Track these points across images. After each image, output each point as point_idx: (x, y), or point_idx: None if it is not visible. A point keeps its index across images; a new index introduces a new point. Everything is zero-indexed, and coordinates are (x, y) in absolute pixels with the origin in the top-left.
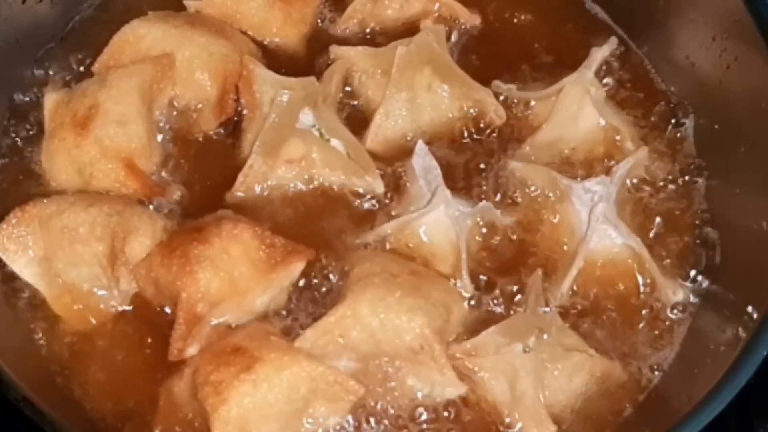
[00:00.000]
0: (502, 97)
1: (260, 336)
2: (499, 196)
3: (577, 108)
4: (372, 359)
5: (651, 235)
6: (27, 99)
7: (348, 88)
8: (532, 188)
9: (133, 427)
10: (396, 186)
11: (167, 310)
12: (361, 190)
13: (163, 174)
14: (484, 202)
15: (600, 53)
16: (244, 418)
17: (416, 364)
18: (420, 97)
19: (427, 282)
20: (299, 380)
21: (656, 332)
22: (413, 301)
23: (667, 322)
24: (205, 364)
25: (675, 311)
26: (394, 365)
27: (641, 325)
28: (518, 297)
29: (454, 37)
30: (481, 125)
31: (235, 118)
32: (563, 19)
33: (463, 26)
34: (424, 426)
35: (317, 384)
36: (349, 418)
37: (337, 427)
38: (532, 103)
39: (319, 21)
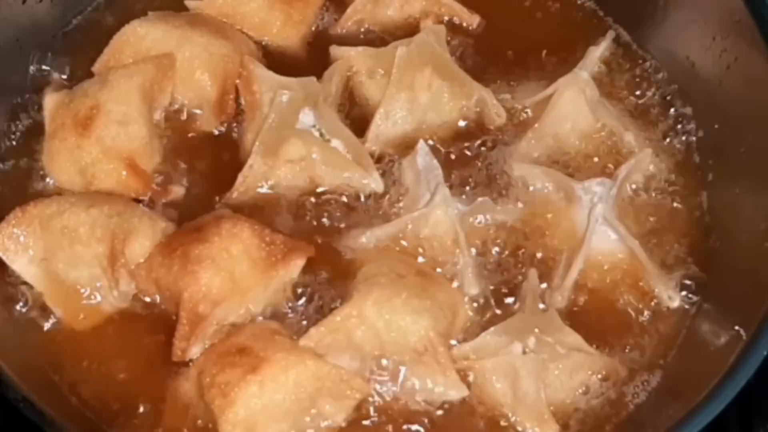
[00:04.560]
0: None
1: (265, 335)
2: (499, 196)
3: (572, 108)
4: (376, 359)
5: (650, 236)
6: (27, 99)
7: (348, 89)
8: (533, 188)
9: (134, 427)
10: (396, 186)
11: (168, 310)
12: (361, 190)
13: (164, 174)
14: (483, 198)
15: (596, 52)
16: (251, 419)
17: (420, 365)
18: (420, 97)
19: (434, 283)
20: (305, 379)
21: (655, 333)
22: (419, 303)
23: (666, 323)
24: (211, 366)
25: (674, 312)
26: (397, 365)
27: (640, 326)
28: (517, 297)
29: (453, 37)
30: (481, 125)
31: (235, 119)
32: (563, 19)
33: (463, 26)
34: (427, 427)
35: (323, 383)
36: (353, 416)
37: (342, 425)
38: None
39: (319, 21)
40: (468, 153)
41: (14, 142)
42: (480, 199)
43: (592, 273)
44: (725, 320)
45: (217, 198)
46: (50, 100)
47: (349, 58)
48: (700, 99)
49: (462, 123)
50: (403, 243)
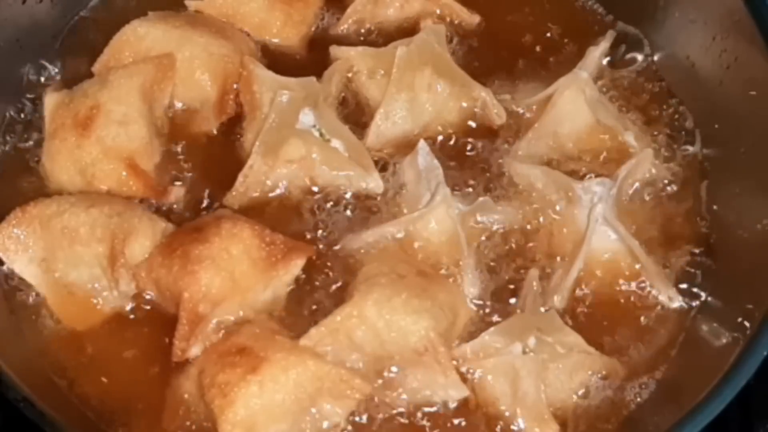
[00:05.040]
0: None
1: (265, 335)
2: (499, 196)
3: (572, 108)
4: (376, 359)
5: (650, 236)
6: (27, 99)
7: (348, 89)
8: (533, 188)
9: (134, 427)
10: (396, 186)
11: (168, 310)
12: (361, 190)
13: (164, 174)
14: (484, 197)
15: (596, 52)
16: (251, 419)
17: (420, 365)
18: (420, 97)
19: (435, 284)
20: (305, 379)
21: (655, 333)
22: (419, 303)
23: (666, 323)
24: (211, 365)
25: (674, 312)
26: (397, 366)
27: (640, 326)
28: (517, 297)
29: (453, 37)
30: (482, 125)
31: (235, 119)
32: (563, 19)
33: (463, 26)
34: (427, 427)
35: (323, 383)
36: (353, 416)
37: (342, 425)
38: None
39: (319, 21)
40: (468, 153)
41: (14, 142)
42: (480, 198)
43: (592, 273)
44: (725, 320)
45: (217, 198)
46: (50, 100)
47: (349, 58)
48: (700, 99)
49: (462, 123)
50: (404, 243)
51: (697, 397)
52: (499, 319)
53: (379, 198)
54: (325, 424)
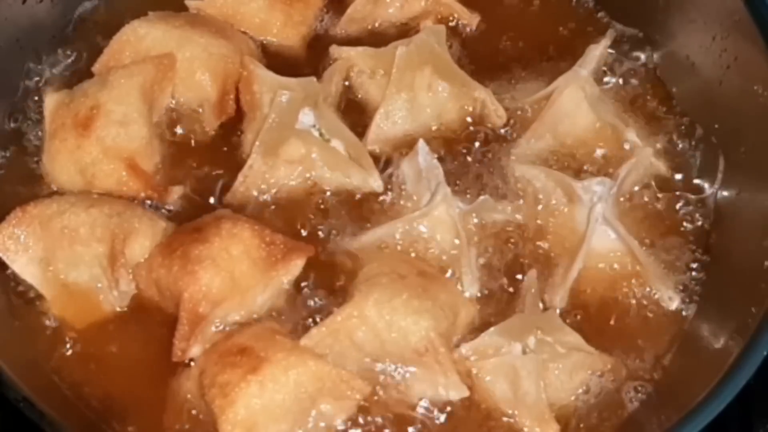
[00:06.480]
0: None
1: (266, 335)
2: (499, 196)
3: (573, 106)
4: (377, 359)
5: (650, 236)
6: (27, 99)
7: (348, 89)
8: (533, 187)
9: (134, 427)
10: (397, 186)
11: (168, 310)
12: (361, 190)
13: (164, 174)
14: (484, 196)
15: (596, 51)
16: (251, 419)
17: (420, 365)
18: (420, 97)
19: (436, 284)
20: (306, 380)
21: (655, 333)
22: (420, 304)
23: (666, 323)
24: (212, 365)
25: (673, 312)
26: (398, 366)
27: (640, 326)
28: (517, 297)
29: (453, 37)
30: (481, 125)
31: (235, 119)
32: (563, 19)
33: (463, 26)
34: (427, 427)
35: (324, 383)
36: (353, 416)
37: (343, 426)
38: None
39: (319, 22)
40: (468, 152)
41: (14, 143)
42: (481, 198)
43: (592, 273)
44: (725, 320)
45: (217, 198)
46: (50, 100)
47: (350, 58)
48: (700, 99)
49: (462, 123)
50: (404, 243)
51: (697, 398)
52: (499, 319)
53: (379, 198)
54: (325, 425)
